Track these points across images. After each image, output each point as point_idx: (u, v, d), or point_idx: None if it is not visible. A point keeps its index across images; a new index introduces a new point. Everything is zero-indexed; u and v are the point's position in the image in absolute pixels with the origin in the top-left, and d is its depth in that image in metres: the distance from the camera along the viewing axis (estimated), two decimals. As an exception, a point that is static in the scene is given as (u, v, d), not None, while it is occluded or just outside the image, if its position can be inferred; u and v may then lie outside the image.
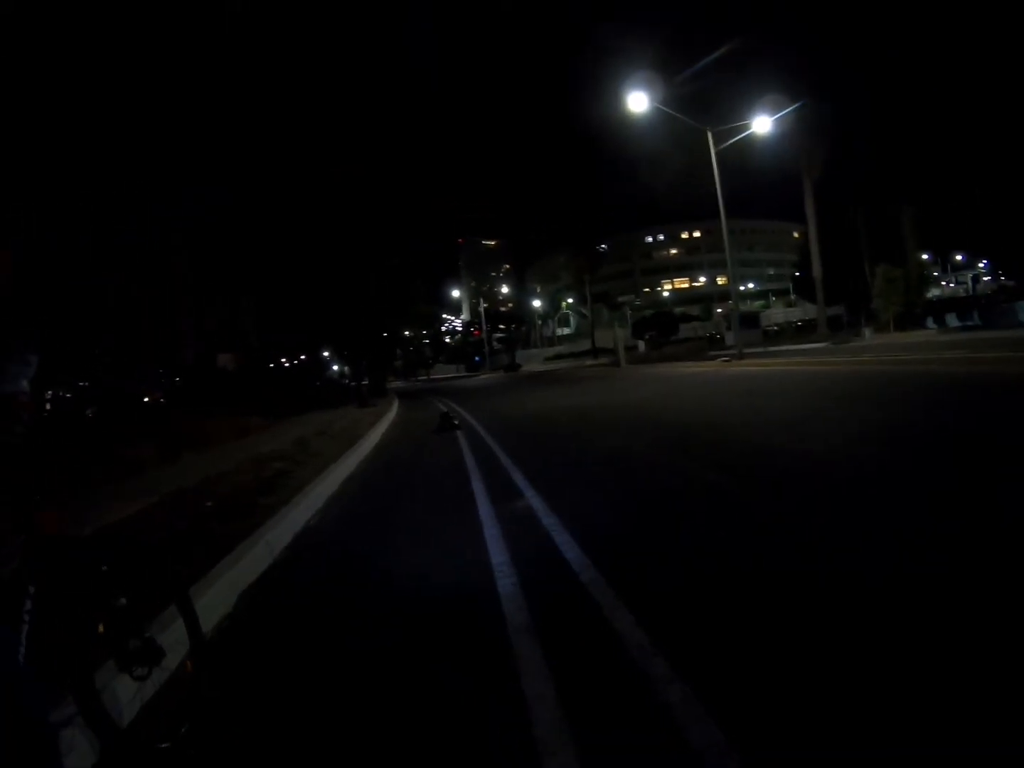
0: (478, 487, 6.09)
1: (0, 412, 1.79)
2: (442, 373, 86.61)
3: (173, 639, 2.62)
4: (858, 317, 36.70)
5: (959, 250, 60.57)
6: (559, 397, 17.41)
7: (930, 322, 31.90)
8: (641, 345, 54.53)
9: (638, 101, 22.90)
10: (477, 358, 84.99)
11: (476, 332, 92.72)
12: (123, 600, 2.23)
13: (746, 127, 24.37)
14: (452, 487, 6.31)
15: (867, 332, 31.79)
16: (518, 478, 6.25)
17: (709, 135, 23.82)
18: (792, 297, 71.83)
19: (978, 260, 62.22)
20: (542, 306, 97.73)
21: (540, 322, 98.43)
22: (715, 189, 24.12)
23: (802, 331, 47.39)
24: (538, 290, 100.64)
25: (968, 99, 33.55)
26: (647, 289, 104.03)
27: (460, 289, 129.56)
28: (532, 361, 74.28)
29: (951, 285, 67.49)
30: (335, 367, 58.66)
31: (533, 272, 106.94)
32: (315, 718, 2.33)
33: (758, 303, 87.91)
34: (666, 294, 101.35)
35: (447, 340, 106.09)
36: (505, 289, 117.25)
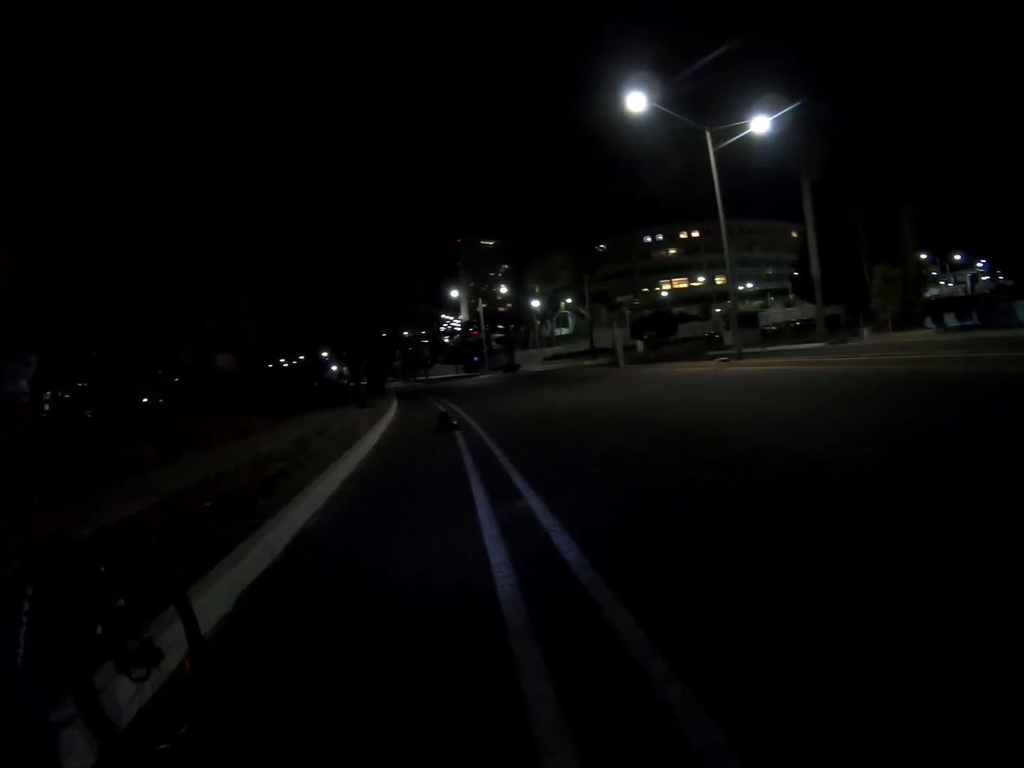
0: (477, 487, 6.09)
1: (1, 412, 1.79)
2: (441, 373, 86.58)
3: (172, 640, 2.62)
4: (856, 317, 36.68)
5: (957, 250, 60.58)
6: (557, 397, 17.42)
7: (928, 322, 31.88)
8: (640, 345, 54.51)
9: (637, 101, 22.92)
10: (476, 358, 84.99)
11: (475, 332, 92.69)
12: (121, 601, 2.23)
13: (745, 127, 24.38)
14: (451, 487, 6.31)
15: (865, 332, 31.82)
16: (516, 478, 6.25)
17: (708, 135, 23.83)
18: (790, 297, 71.83)
19: (976, 260, 62.17)
20: (541, 306, 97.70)
21: (539, 322, 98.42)
22: (714, 189, 24.13)
23: (800, 331, 47.37)
24: (537, 290, 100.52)
25: (967, 99, 33.61)
26: (646, 289, 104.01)
27: (459, 289, 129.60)
28: (531, 361, 74.28)
29: (949, 285, 67.46)
30: (334, 367, 58.62)
31: (532, 272, 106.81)
32: (315, 718, 2.33)
33: (756, 303, 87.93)
34: (665, 294, 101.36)
35: (446, 340, 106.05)
36: (504, 289, 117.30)
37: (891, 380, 11.16)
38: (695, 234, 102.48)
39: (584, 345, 71.87)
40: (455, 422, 11.98)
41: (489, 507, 5.20)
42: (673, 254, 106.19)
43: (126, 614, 2.25)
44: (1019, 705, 1.79)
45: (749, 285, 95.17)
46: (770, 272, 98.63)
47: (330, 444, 10.19)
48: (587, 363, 53.18)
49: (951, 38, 32.91)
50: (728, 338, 39.85)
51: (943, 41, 33.37)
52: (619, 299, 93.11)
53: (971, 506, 3.66)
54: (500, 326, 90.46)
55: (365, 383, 30.55)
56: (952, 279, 69.03)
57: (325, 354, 55.35)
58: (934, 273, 60.05)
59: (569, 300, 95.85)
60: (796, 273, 55.21)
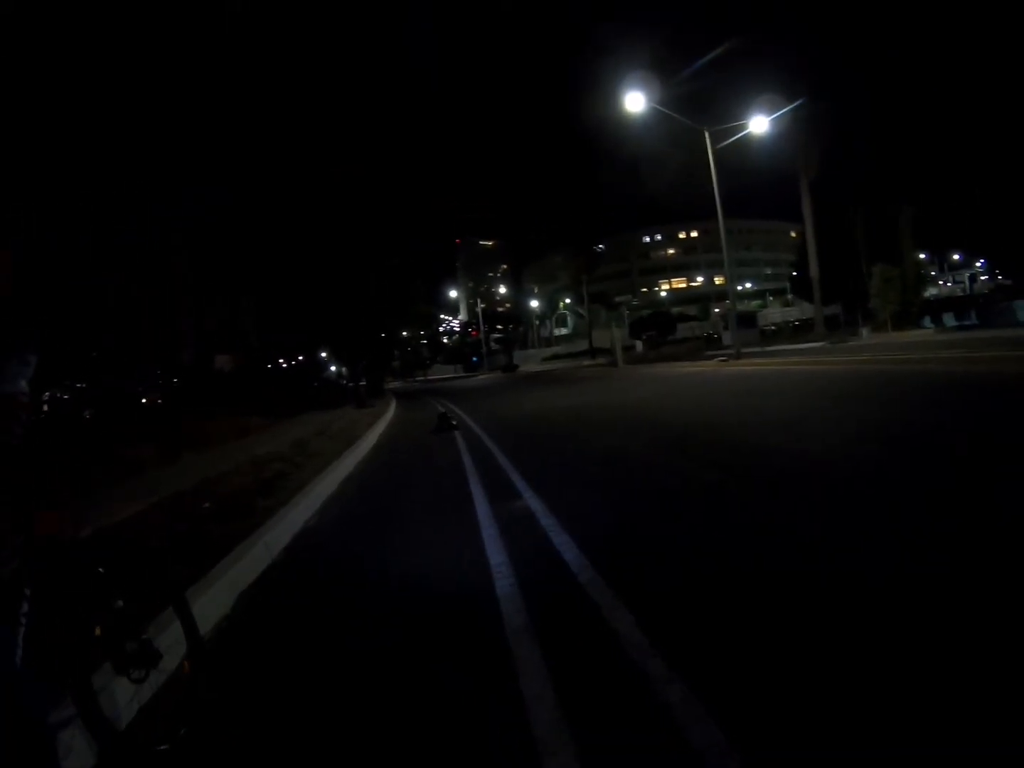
0: (476, 487, 6.09)
1: (1, 412, 1.78)
2: (440, 373, 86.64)
3: (171, 641, 2.61)
4: (855, 317, 36.70)
5: (956, 249, 60.60)
6: (556, 397, 17.42)
7: (927, 321, 31.92)
8: (639, 345, 54.52)
9: (635, 101, 22.91)
10: (475, 358, 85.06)
11: (474, 332, 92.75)
12: (120, 602, 2.23)
13: (743, 127, 24.39)
14: (450, 487, 6.31)
15: (864, 331, 31.84)
16: (516, 478, 6.25)
17: (707, 135, 23.84)
18: (789, 297, 71.92)
19: (975, 259, 62.24)
20: (540, 306, 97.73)
21: (538, 322, 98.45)
22: (712, 189, 24.14)
23: (799, 331, 47.35)
24: (536, 290, 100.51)
25: (965, 99, 33.62)
26: (644, 289, 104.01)
27: (458, 289, 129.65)
28: (530, 361, 74.32)
29: (948, 284, 67.54)
30: (333, 368, 58.63)
31: (531, 272, 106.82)
32: (314, 719, 2.33)
33: (755, 303, 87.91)
34: (663, 294, 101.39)
35: (445, 340, 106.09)
36: (503, 289, 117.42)
37: (890, 380, 11.16)
38: (694, 234, 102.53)
39: (583, 345, 71.86)
40: (454, 422, 11.97)
41: (488, 507, 5.19)
42: (672, 254, 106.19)
43: (125, 615, 2.25)
44: (1020, 705, 1.79)
45: (748, 285, 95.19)
46: (769, 272, 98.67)
47: (329, 444, 10.18)
48: (586, 363, 53.20)
49: (951, 38, 32.93)
50: (727, 338, 39.89)
51: (943, 41, 33.39)
52: (618, 299, 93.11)
53: (972, 506, 3.66)
54: (499, 326, 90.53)
55: (364, 383, 30.55)
56: (951, 279, 69.12)
57: (324, 354, 55.37)
58: (933, 273, 60.19)
59: (568, 300, 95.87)
60: (795, 273, 55.31)
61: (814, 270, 37.33)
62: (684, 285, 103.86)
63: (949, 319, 30.22)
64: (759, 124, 24.09)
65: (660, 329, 58.40)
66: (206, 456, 10.62)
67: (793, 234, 78.92)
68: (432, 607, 3.22)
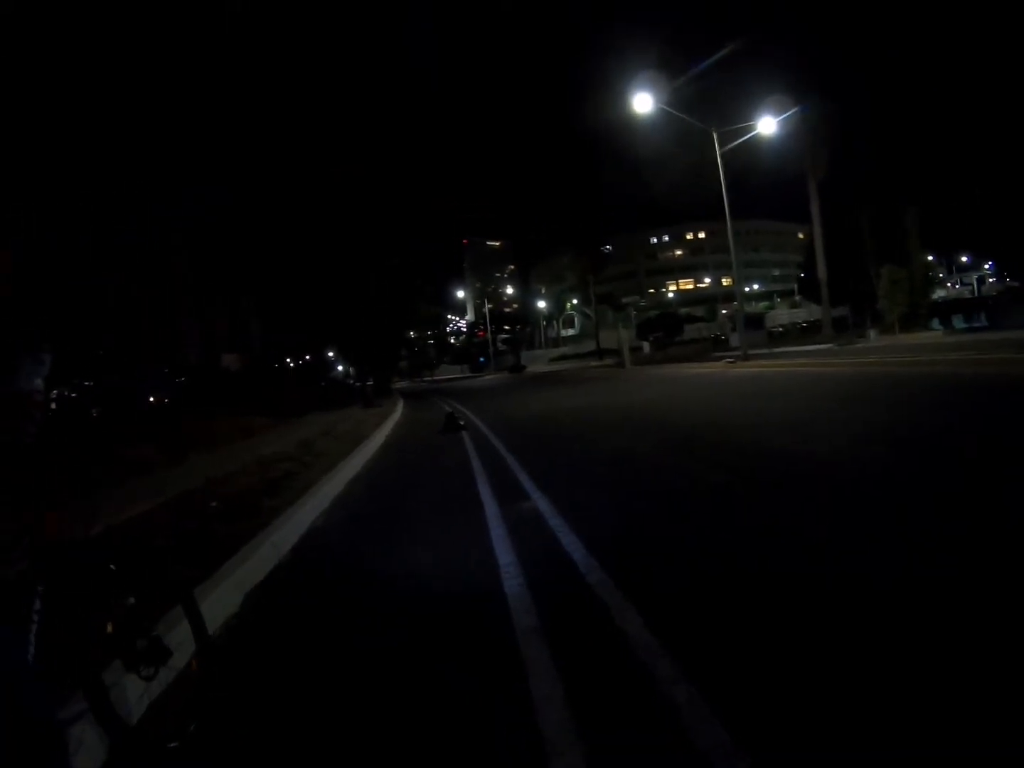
0: (484, 488, 6.10)
1: (15, 411, 1.79)
2: (446, 374, 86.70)
3: (180, 638, 2.63)
4: (863, 318, 36.61)
5: (964, 251, 60.36)
6: (564, 398, 17.42)
7: (936, 323, 31.81)
8: (646, 346, 54.55)
9: (643, 102, 22.92)
10: (482, 359, 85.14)
11: (480, 333, 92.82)
12: (132, 599, 2.24)
13: (751, 128, 24.37)
14: (458, 488, 6.31)
15: (872, 333, 31.71)
16: (523, 479, 6.26)
17: (714, 136, 23.81)
18: (797, 298, 71.69)
19: (983, 261, 62.02)
20: (547, 307, 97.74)
21: (544, 323, 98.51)
22: (720, 190, 24.11)
23: (807, 332, 47.31)
24: (543, 291, 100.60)
25: (973, 99, 33.47)
26: (652, 290, 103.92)
27: (464, 290, 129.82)
28: (537, 362, 74.36)
29: (956, 286, 67.32)
30: (340, 367, 58.72)
31: (537, 273, 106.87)
32: (322, 717, 2.34)
33: (763, 304, 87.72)
34: (671, 295, 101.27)
35: (452, 341, 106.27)
36: (510, 290, 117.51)
37: (898, 382, 11.12)
38: (701, 235, 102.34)
39: (590, 346, 71.83)
40: (462, 422, 11.98)
41: (496, 507, 5.20)
42: (679, 255, 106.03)
43: (135, 613, 2.26)
44: (1029, 708, 1.79)
45: (755, 286, 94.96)
46: (776, 273, 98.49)
47: (336, 444, 10.20)
48: (593, 364, 53.22)
49: (954, 38, 32.81)
50: (734, 339, 39.79)
51: (946, 41, 33.27)
52: (625, 300, 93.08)
53: (980, 508, 3.64)
54: (506, 327, 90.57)
55: (371, 383, 30.61)
56: (959, 281, 68.86)
57: (331, 354, 55.47)
58: (940, 275, 59.90)
59: (575, 301, 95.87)
60: (802, 274, 55.10)
61: (822, 271, 37.26)
62: (691, 286, 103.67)
63: (958, 321, 30.12)
64: (767, 125, 24.09)
65: (667, 330, 58.41)
66: (212, 456, 10.65)
67: (801, 235, 78.63)
68: (440, 607, 3.22)
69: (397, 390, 43.95)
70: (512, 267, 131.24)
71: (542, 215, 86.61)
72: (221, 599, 3.47)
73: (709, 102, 27.44)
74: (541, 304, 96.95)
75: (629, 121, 25.85)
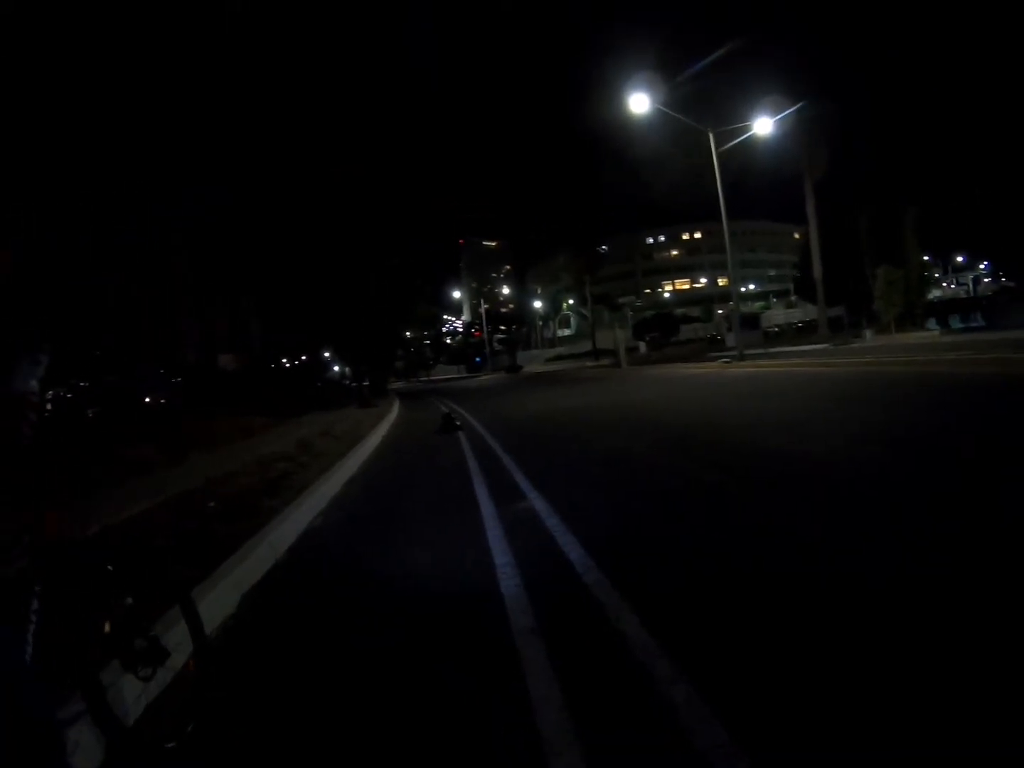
0: (480, 488, 6.10)
1: (11, 411, 1.79)
2: (443, 374, 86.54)
3: (177, 639, 2.63)
4: (859, 318, 36.59)
5: (960, 251, 60.51)
6: (560, 398, 17.42)
7: (932, 323, 31.87)
8: (642, 346, 54.43)
9: (639, 102, 22.91)
10: (478, 359, 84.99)
11: (477, 333, 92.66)
12: (130, 599, 2.24)
13: (748, 128, 24.39)
14: (455, 488, 6.32)
15: (868, 333, 31.73)
16: (520, 479, 6.26)
17: (711, 136, 23.82)
18: (793, 298, 71.64)
19: (979, 261, 62.19)
20: (543, 307, 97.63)
21: (541, 323, 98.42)
22: (716, 190, 24.12)
23: (803, 332, 47.30)
24: (539, 291, 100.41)
25: (969, 99, 33.54)
26: (648, 290, 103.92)
27: (461, 290, 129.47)
28: (533, 362, 74.24)
29: (952, 286, 67.49)
30: (336, 368, 58.64)
31: (534, 273, 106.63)
32: (319, 717, 2.34)
33: (759, 304, 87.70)
34: (667, 295, 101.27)
35: (448, 341, 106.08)
36: (506, 290, 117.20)
37: (894, 382, 11.14)
38: (697, 235, 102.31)
39: (586, 346, 71.75)
40: (458, 423, 11.98)
41: (493, 507, 5.21)
42: (675, 255, 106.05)
43: (133, 613, 2.26)
44: (1021, 706, 1.79)
45: (751, 286, 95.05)
46: (772, 273, 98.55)
47: (334, 445, 10.19)
48: (589, 364, 53.19)
49: (952, 38, 32.88)
50: (730, 339, 39.75)
51: (944, 41, 33.33)
52: (621, 300, 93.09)
53: (975, 508, 3.66)
54: (502, 327, 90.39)
55: (367, 383, 30.59)
56: (955, 281, 69.02)
57: (328, 354, 55.41)
58: (936, 275, 60.03)
59: (571, 301, 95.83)
60: (798, 274, 55.05)
61: (818, 271, 37.27)
62: (688, 286, 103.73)
63: (955, 321, 30.20)
64: (763, 125, 24.09)
65: (663, 330, 58.32)
66: (213, 456, 10.63)
67: (797, 235, 78.61)
68: (437, 607, 3.23)
69: (394, 390, 43.89)
70: (508, 267, 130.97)
71: (541, 215, 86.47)
72: (219, 599, 3.46)
73: (709, 102, 27.43)
74: (537, 304, 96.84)
75: (628, 122, 25.85)
